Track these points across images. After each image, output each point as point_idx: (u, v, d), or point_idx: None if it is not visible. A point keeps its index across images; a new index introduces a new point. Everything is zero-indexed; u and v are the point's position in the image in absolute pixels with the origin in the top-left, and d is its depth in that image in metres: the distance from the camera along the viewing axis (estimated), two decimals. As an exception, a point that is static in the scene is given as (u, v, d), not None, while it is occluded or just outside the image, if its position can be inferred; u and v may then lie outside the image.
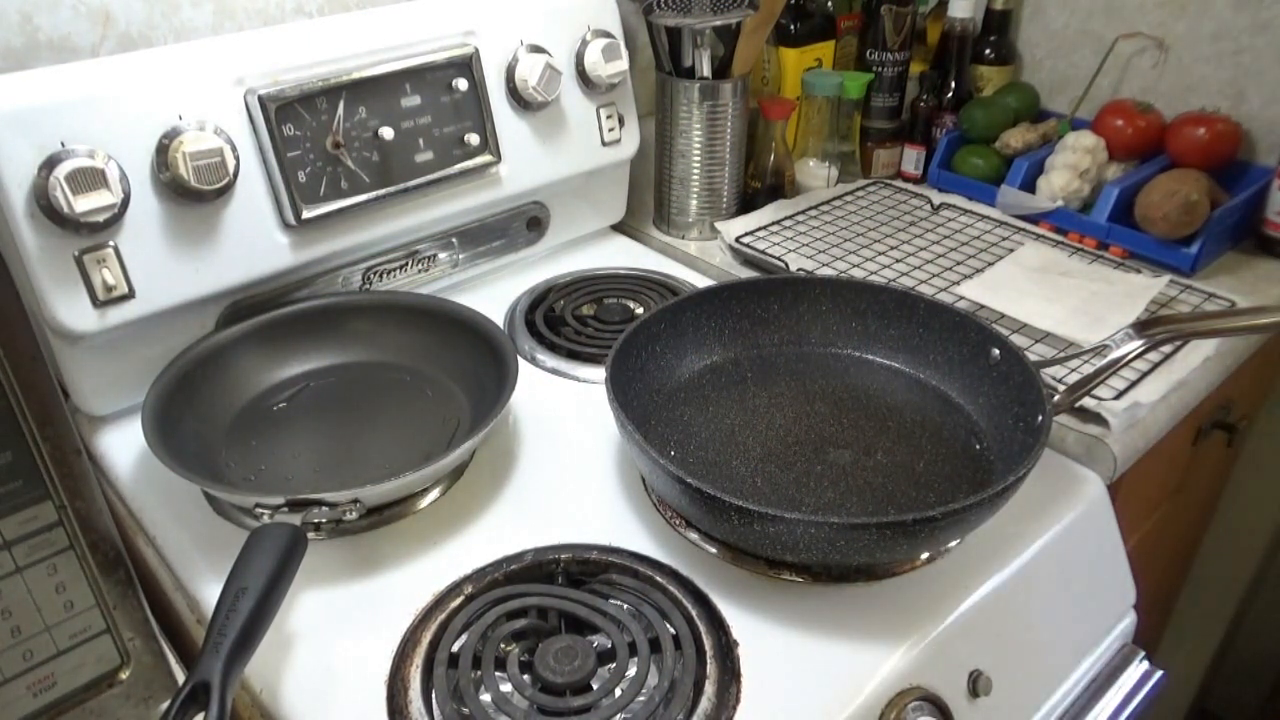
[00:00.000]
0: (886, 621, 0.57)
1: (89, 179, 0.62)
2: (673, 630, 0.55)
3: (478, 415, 0.70)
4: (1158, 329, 0.63)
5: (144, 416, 0.64)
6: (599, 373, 0.69)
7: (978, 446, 0.68)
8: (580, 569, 0.60)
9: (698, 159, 0.98)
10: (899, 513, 0.59)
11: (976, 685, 0.59)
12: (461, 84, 0.80)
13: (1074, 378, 0.73)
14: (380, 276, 0.85)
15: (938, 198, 1.07)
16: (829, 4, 1.10)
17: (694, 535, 0.62)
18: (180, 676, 0.52)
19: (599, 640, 0.55)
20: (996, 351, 0.69)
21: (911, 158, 1.14)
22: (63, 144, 0.63)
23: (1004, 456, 0.65)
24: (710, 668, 0.53)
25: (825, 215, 1.04)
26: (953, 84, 1.12)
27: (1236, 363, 0.83)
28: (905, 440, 0.68)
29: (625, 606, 0.57)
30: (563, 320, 0.86)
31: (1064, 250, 0.95)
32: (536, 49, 0.84)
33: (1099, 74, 1.10)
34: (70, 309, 0.65)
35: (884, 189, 1.11)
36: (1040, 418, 0.61)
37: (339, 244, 0.78)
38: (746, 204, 1.04)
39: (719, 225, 1.00)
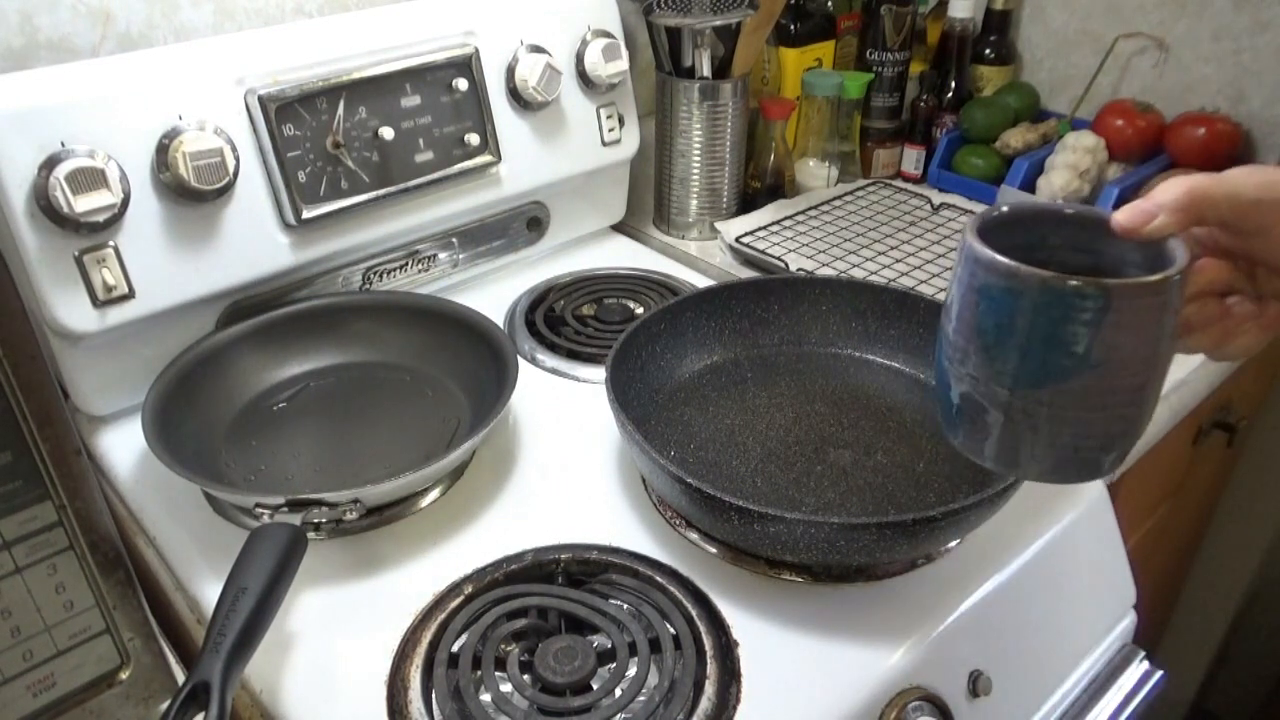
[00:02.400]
0: (886, 621, 0.57)
1: (89, 179, 0.62)
2: (673, 630, 0.55)
3: (478, 415, 0.70)
4: (1158, 329, 0.63)
5: (144, 416, 0.64)
6: (599, 373, 0.69)
7: (978, 446, 0.68)
8: (580, 569, 0.60)
9: (698, 159, 0.98)
10: (899, 513, 0.59)
11: (976, 685, 0.59)
12: (461, 84, 0.80)
13: (1074, 378, 0.73)
14: (380, 276, 0.85)
15: (938, 198, 1.07)
16: (829, 4, 1.10)
17: (694, 535, 0.62)
18: (180, 676, 0.52)
19: (599, 640, 0.55)
20: (996, 351, 0.69)
21: (911, 158, 1.14)
22: (63, 144, 0.63)
23: (1004, 456, 0.65)
24: (710, 668, 0.53)
25: (825, 215, 1.04)
26: (953, 84, 1.12)
27: (1236, 363, 0.83)
28: (905, 440, 0.68)
29: (625, 606, 0.57)
30: (563, 320, 0.86)
31: (1064, 250, 0.95)
32: (536, 49, 0.84)
33: (1099, 74, 1.10)
34: (70, 309, 0.65)
35: (884, 189, 1.11)
36: (1040, 418, 0.61)
37: (339, 244, 0.78)
38: (746, 204, 1.04)
39: (719, 225, 1.00)
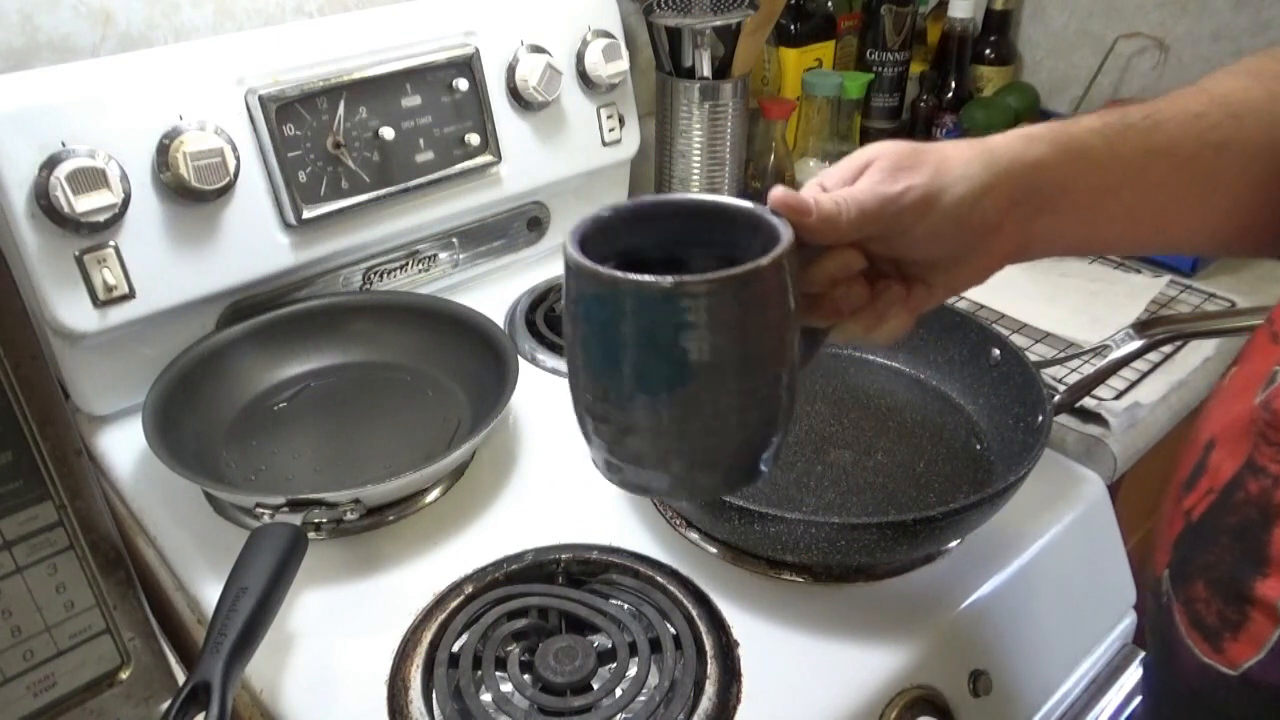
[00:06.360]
0: (886, 621, 0.57)
1: (90, 179, 0.62)
2: (673, 630, 0.55)
3: (478, 415, 0.70)
4: (1158, 329, 0.63)
5: (144, 416, 0.64)
6: (599, 373, 0.68)
7: (978, 447, 0.68)
8: (581, 569, 0.60)
9: (698, 159, 0.98)
10: (899, 513, 0.59)
11: (977, 685, 0.59)
12: (462, 84, 0.80)
13: (1074, 378, 0.73)
14: (381, 276, 0.85)
15: (938, 198, 1.07)
16: (829, 4, 1.10)
17: (694, 535, 0.62)
18: (180, 676, 0.52)
19: (599, 640, 0.55)
20: (997, 352, 0.69)
21: (912, 158, 1.13)
22: (63, 144, 0.63)
23: (1004, 457, 0.65)
24: (711, 668, 0.53)
25: (825, 215, 1.03)
26: (953, 84, 1.12)
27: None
28: (906, 440, 0.68)
29: (626, 606, 0.57)
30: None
31: (1064, 250, 0.95)
32: (537, 49, 0.84)
33: (1099, 74, 1.10)
34: (71, 309, 0.65)
35: (884, 189, 1.11)
36: (1040, 418, 0.61)
37: (339, 244, 0.78)
38: (747, 204, 1.04)
39: (719, 225, 1.00)
